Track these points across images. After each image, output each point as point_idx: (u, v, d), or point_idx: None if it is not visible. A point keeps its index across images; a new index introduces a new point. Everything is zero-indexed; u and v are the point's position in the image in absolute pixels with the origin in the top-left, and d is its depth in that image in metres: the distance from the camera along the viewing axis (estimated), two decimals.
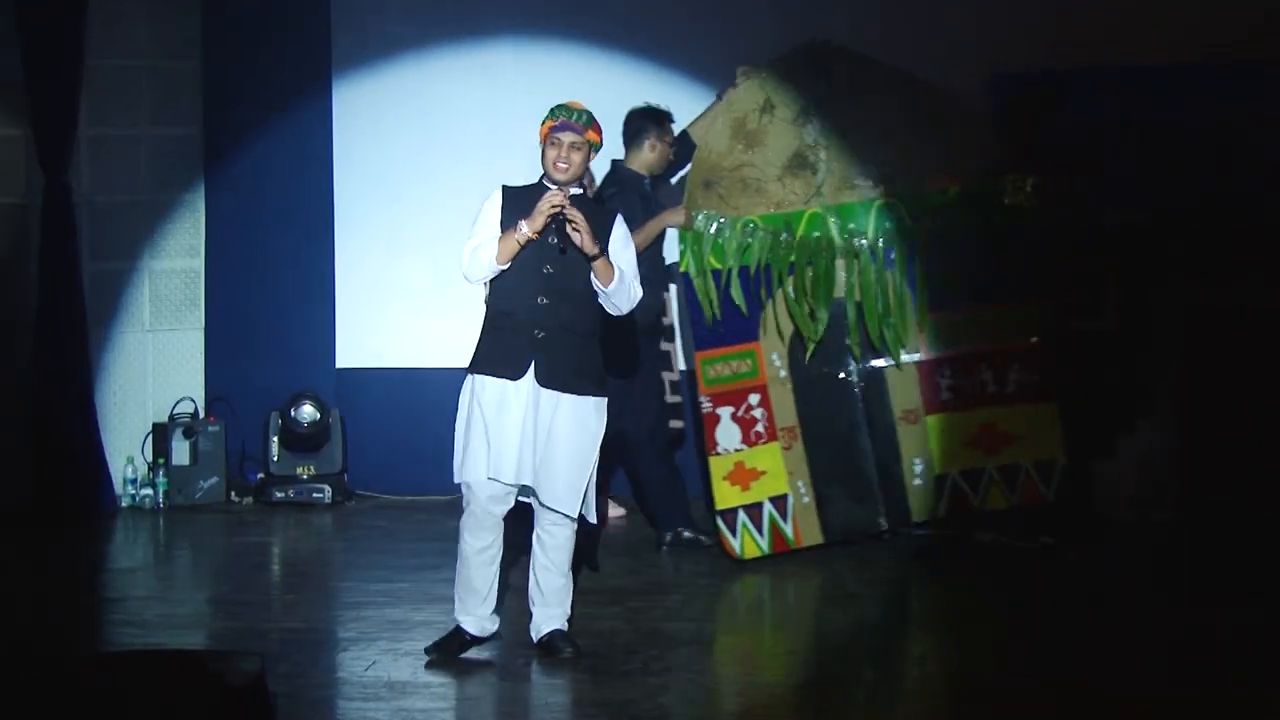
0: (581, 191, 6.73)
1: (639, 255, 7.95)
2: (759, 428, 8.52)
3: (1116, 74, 9.30)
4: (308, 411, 10.04)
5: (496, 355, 6.62)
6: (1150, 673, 6.68)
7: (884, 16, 9.75)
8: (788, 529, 8.50)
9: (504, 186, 6.72)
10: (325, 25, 10.21)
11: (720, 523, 8.46)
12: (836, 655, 7.17)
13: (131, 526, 9.58)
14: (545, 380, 6.56)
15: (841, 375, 8.67)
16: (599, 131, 6.68)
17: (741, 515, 8.45)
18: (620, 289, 6.60)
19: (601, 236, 6.60)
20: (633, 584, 8.10)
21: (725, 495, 8.47)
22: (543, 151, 6.64)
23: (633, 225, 8.39)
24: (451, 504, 9.58)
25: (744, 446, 8.50)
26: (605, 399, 6.72)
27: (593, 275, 6.56)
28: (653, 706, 6.29)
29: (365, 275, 10.27)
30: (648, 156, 8.70)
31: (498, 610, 6.82)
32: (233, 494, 10.15)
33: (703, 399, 8.53)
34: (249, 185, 10.23)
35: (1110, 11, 9.49)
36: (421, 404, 10.12)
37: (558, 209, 6.48)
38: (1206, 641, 7.04)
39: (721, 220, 8.54)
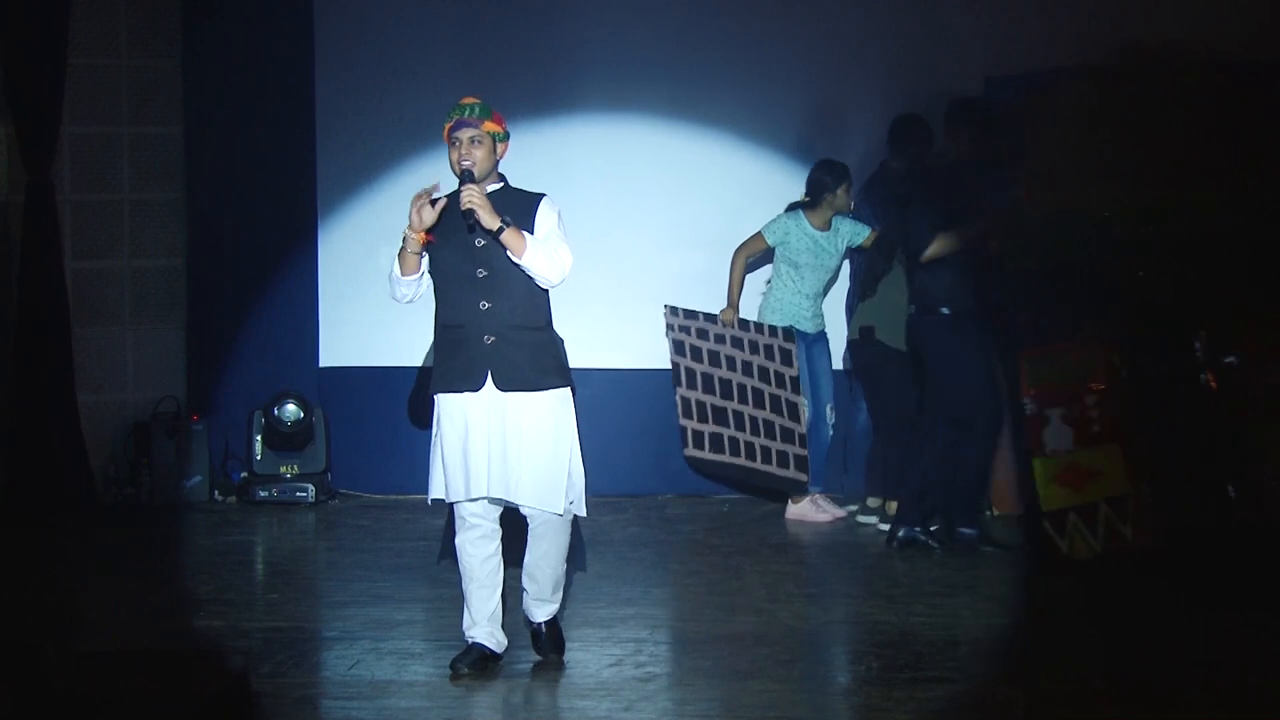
0: (500, 186, 6.56)
1: (961, 251, 8.37)
2: (1095, 428, 8.36)
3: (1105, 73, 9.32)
4: (291, 410, 10.03)
5: (453, 371, 6.54)
6: None
7: (882, 17, 9.86)
8: (1126, 530, 8.32)
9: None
10: (307, 22, 10.19)
11: (1047, 524, 8.31)
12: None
13: (114, 525, 9.56)
14: (504, 384, 6.48)
15: (1189, 374, 8.44)
16: (498, 120, 6.52)
17: (1072, 516, 8.30)
18: (536, 257, 6.40)
19: (527, 224, 6.46)
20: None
21: (1053, 496, 8.31)
22: (448, 155, 6.53)
23: (956, 218, 8.53)
24: (435, 503, 9.62)
25: (1077, 447, 8.35)
26: (569, 389, 6.62)
27: (508, 252, 6.43)
28: (639, 696, 6.31)
29: (348, 274, 10.24)
30: (965, 148, 8.74)
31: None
32: (216, 493, 10.14)
33: (1026, 400, 8.40)
34: (231, 183, 10.20)
35: (1104, 12, 9.54)
36: (405, 403, 10.13)
37: (425, 200, 6.41)
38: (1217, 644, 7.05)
39: (1039, 219, 8.52)
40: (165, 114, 10.22)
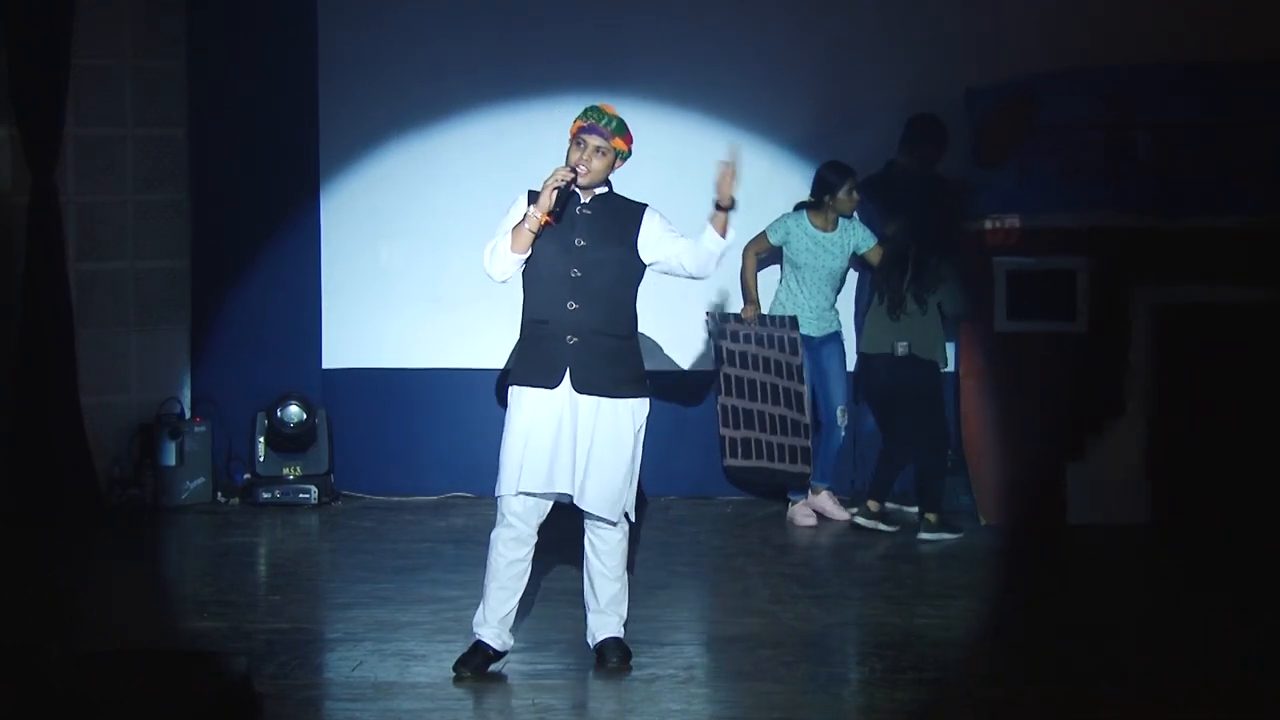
0: (605, 191, 6.63)
1: None
2: None
3: (1090, 76, 9.33)
4: (294, 412, 10.02)
5: (532, 365, 6.57)
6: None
7: (865, 29, 9.86)
8: None
9: (529, 191, 6.60)
10: (311, 24, 10.18)
11: None
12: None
13: (117, 526, 9.55)
14: (581, 386, 6.50)
15: None
16: (628, 140, 6.60)
17: None
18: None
19: (630, 233, 6.54)
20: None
21: None
22: (567, 150, 6.59)
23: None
24: (438, 504, 9.66)
25: None
26: (646, 399, 6.65)
27: (714, 232, 6.47)
28: (643, 698, 6.30)
29: (352, 275, 10.24)
30: None
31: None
32: (219, 495, 10.13)
33: None
34: (235, 185, 10.18)
35: (1084, 14, 9.55)
36: (408, 405, 10.13)
37: (562, 183, 6.44)
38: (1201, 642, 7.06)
39: None
40: (169, 115, 10.21)
